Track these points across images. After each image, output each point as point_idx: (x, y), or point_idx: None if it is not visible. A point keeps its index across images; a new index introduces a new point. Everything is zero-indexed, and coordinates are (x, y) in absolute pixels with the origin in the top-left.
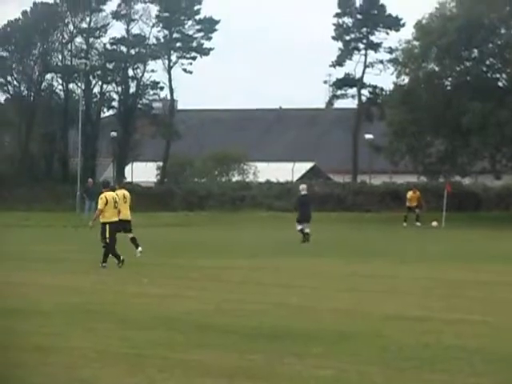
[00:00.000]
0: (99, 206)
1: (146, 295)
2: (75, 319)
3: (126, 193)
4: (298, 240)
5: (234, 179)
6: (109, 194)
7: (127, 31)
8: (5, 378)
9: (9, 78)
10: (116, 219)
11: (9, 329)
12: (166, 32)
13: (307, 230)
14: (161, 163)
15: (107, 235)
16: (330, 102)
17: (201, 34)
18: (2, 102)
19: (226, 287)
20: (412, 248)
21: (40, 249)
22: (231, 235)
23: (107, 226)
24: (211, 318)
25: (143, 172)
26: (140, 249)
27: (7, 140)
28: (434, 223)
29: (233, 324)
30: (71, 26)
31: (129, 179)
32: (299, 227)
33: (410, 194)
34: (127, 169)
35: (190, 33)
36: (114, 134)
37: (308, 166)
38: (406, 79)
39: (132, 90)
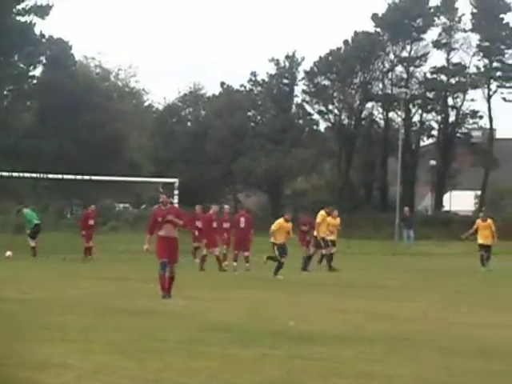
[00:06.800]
0: None
1: (466, 324)
2: (395, 347)
3: None
4: None
5: None
6: None
7: (447, 60)
8: None
9: (330, 107)
10: None
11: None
12: (486, 61)
13: None
14: (479, 192)
15: None
16: None
17: None
18: (323, 130)
19: None
20: None
21: (359, 275)
22: None
23: None
24: None
25: (461, 201)
26: None
27: (327, 168)
28: None
29: None
30: (392, 55)
31: (447, 208)
32: None
33: None
34: (445, 197)
35: (511, 62)
36: (433, 162)
37: None
38: None
39: (451, 118)
